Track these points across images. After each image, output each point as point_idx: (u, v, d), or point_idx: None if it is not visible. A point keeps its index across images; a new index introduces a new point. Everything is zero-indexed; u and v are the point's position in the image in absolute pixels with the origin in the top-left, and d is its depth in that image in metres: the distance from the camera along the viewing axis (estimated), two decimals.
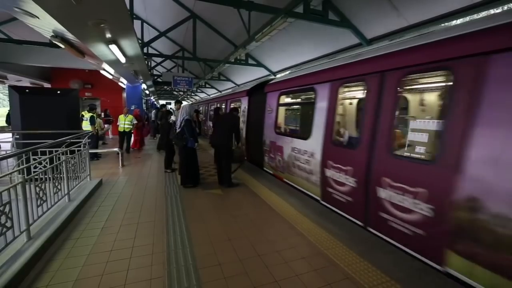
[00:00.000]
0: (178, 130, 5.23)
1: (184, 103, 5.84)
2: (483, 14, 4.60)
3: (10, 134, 6.58)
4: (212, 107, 13.23)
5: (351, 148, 3.83)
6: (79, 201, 4.09)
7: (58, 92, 6.45)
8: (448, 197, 2.49)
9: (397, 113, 3.21)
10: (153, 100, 29.70)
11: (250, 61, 11.49)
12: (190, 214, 3.94)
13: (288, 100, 6.20)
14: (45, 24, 4.41)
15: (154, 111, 14.46)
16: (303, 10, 5.65)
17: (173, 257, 2.79)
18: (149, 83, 14.18)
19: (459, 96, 2.50)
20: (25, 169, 3.10)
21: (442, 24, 5.24)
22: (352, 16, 6.42)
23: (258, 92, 7.33)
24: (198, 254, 2.85)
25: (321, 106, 4.49)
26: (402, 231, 2.97)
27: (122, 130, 9.16)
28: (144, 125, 11.12)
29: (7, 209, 2.55)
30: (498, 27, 2.28)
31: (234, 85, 16.93)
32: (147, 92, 18.77)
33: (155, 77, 16.85)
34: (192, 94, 30.10)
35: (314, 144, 4.60)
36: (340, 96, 4.22)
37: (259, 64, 11.71)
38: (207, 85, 20.94)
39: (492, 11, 4.55)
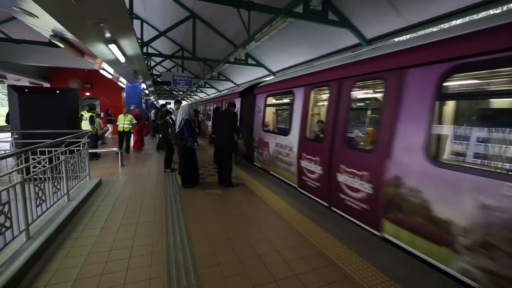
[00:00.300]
0: (177, 130, 5.23)
1: (184, 103, 5.83)
2: (482, 14, 4.60)
3: (9, 134, 6.57)
4: (209, 107, 14.12)
5: (319, 142, 4.52)
6: (78, 201, 4.09)
7: (58, 91, 6.44)
8: (382, 177, 3.19)
9: (349, 113, 4.00)
10: (153, 100, 29.68)
11: (250, 61, 11.48)
12: (190, 214, 3.94)
13: (273, 101, 6.83)
14: (45, 24, 4.41)
15: (153, 110, 14.45)
16: (302, 10, 5.64)
17: (173, 257, 2.79)
18: (149, 82, 14.18)
19: (387, 100, 3.26)
20: (24, 168, 3.09)
21: (442, 25, 5.24)
22: (352, 16, 6.42)
23: (249, 94, 8.01)
24: (197, 254, 2.85)
25: (298, 106, 5.21)
26: (354, 207, 3.69)
27: (121, 130, 9.16)
28: (144, 125, 11.09)
29: (6, 209, 2.54)
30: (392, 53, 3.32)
31: (233, 85, 16.92)
32: (146, 91, 18.77)
33: (155, 77, 16.84)
34: (192, 94, 30.09)
35: (292, 140, 5.29)
36: (311, 98, 4.99)
37: (258, 64, 11.70)
38: (206, 85, 20.93)
39: (491, 11, 4.55)
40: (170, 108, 13.10)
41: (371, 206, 3.38)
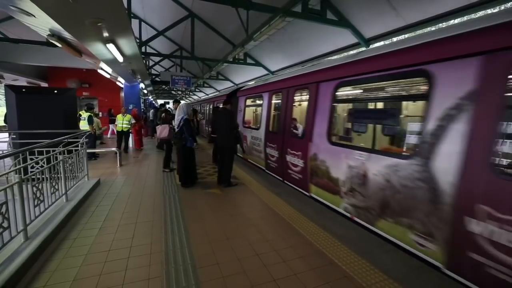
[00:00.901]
0: (176, 130, 5.21)
1: (182, 102, 5.82)
2: (480, 14, 4.61)
3: (6, 134, 6.54)
4: (203, 108, 16.34)
5: (277, 133, 5.99)
6: (76, 201, 4.08)
7: (55, 91, 6.42)
8: (308, 155, 4.67)
9: (290, 112, 5.50)
10: (151, 99, 29.61)
11: (249, 60, 11.48)
12: (189, 214, 3.93)
13: (250, 102, 8.25)
14: (42, 23, 4.38)
15: (152, 110, 14.41)
16: (301, 9, 5.64)
17: (171, 256, 2.78)
18: (147, 82, 14.14)
19: (310, 103, 4.76)
20: (22, 169, 3.09)
21: (439, 24, 5.25)
22: (351, 16, 6.43)
23: (234, 96, 9.30)
24: (196, 254, 2.84)
25: (264, 107, 6.73)
26: (295, 178, 5.19)
27: (120, 129, 9.14)
28: (142, 126, 11.03)
29: (3, 209, 2.53)
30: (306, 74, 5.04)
31: (232, 84, 16.91)
32: (145, 91, 18.72)
33: (153, 77, 16.80)
34: (191, 93, 30.04)
35: (261, 133, 6.74)
36: (273, 101, 6.50)
37: (257, 64, 11.70)
38: (205, 85, 20.90)
39: (489, 11, 4.57)
40: (169, 107, 13.06)
41: (303, 175, 4.84)
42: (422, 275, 2.49)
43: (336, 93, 4.17)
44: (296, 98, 5.54)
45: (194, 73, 17.86)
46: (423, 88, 2.90)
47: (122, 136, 9.22)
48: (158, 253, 2.85)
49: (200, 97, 27.42)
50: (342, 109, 5.12)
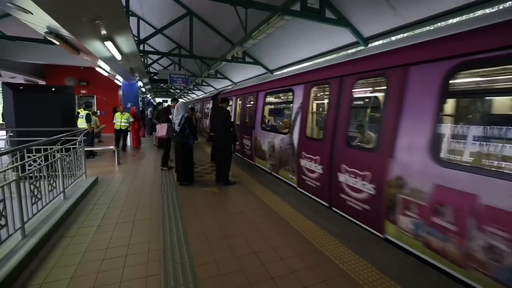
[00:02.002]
0: (177, 128, 5.18)
1: (180, 101, 5.81)
2: (479, 13, 4.62)
3: (4, 132, 6.51)
4: (196, 107, 17.57)
5: (250, 128, 7.29)
6: (74, 199, 4.07)
7: (53, 89, 6.38)
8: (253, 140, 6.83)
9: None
10: (150, 97, 29.53)
11: (247, 59, 11.46)
12: (187, 212, 3.94)
13: (272, 99, 9.70)
14: (39, 20, 4.36)
15: (150, 109, 14.38)
16: (300, 7, 5.63)
17: (169, 254, 2.79)
18: (146, 80, 14.10)
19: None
20: (19, 166, 3.07)
21: (438, 24, 5.27)
22: (349, 15, 6.42)
23: (216, 97, 11.30)
24: (194, 252, 2.85)
25: (234, 106, 9.00)
26: (246, 153, 7.35)
27: (118, 128, 9.12)
28: (141, 125, 10.93)
29: (1, 207, 2.52)
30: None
31: (230, 83, 16.88)
32: (143, 89, 18.66)
33: (152, 75, 16.73)
34: (189, 92, 29.97)
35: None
36: (238, 102, 8.86)
37: (256, 62, 11.68)
38: (204, 83, 20.85)
39: (488, 10, 4.58)
40: (168, 105, 13.05)
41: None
42: (418, 274, 2.51)
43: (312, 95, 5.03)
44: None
45: (192, 71, 17.80)
46: (291, 97, 5.49)
47: (120, 134, 9.20)
48: (156, 251, 2.86)
49: (188, 99, 28.35)
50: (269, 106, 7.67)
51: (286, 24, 6.68)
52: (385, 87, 3.20)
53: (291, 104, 5.35)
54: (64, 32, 4.89)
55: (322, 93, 5.56)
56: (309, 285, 2.36)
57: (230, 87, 12.30)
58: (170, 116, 6.39)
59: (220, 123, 5.40)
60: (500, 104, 3.10)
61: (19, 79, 13.16)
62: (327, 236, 3.24)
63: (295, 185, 5.05)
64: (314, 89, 4.80)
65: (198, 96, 26.52)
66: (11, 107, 5.74)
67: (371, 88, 4.25)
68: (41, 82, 13.69)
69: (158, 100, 29.32)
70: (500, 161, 2.90)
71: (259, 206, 4.25)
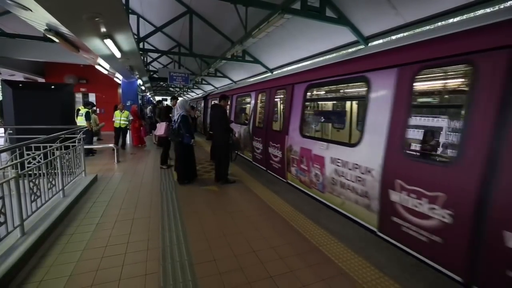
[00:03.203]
0: (175, 127, 5.19)
1: (180, 99, 5.80)
2: (480, 12, 4.62)
3: (2, 129, 6.50)
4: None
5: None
6: (73, 197, 4.07)
7: (52, 86, 6.37)
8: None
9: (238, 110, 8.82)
10: (149, 96, 29.47)
11: (247, 57, 11.44)
12: (186, 210, 3.94)
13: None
14: (39, 18, 4.34)
15: (149, 107, 14.34)
16: (300, 6, 5.62)
17: (168, 252, 2.79)
18: (145, 78, 14.06)
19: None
20: (18, 164, 3.06)
21: (438, 23, 5.26)
22: (350, 14, 6.41)
23: (207, 98, 13.60)
24: (193, 250, 2.85)
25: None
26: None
27: (118, 126, 9.11)
28: (142, 124, 10.86)
29: (0, 204, 2.52)
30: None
31: (230, 81, 16.86)
32: (143, 88, 18.62)
33: (151, 73, 16.69)
34: (189, 90, 29.93)
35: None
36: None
37: (256, 61, 11.66)
38: (203, 82, 20.82)
39: (488, 10, 4.57)
40: (167, 104, 12.97)
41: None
42: (417, 273, 2.51)
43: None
44: (239, 101, 8.97)
45: (192, 70, 17.77)
46: (248, 101, 7.76)
47: (120, 132, 9.19)
48: (155, 249, 2.86)
49: (189, 97, 28.84)
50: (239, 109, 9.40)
51: (286, 22, 6.67)
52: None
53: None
54: (63, 29, 4.87)
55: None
56: (308, 284, 2.36)
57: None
58: (171, 115, 6.39)
59: (218, 121, 5.40)
60: (324, 107, 7.40)
61: (19, 76, 13.11)
62: (326, 235, 3.24)
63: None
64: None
65: (197, 94, 26.56)
66: (11, 105, 5.73)
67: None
68: (41, 80, 13.64)
69: (158, 98, 29.28)
70: (316, 133, 6.42)
71: (258, 205, 4.25)
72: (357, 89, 4.52)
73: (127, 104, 12.03)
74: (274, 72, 11.47)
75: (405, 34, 5.82)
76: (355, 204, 3.57)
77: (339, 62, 4.19)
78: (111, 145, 7.72)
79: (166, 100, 21.65)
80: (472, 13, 4.74)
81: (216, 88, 19.83)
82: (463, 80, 3.11)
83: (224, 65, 13.37)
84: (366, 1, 5.82)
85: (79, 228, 3.32)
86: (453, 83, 3.40)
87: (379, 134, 3.22)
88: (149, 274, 2.44)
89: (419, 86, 3.41)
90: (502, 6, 4.40)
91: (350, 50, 7.40)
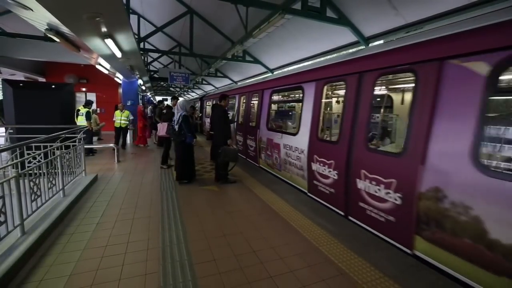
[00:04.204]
0: (176, 127, 5.19)
1: (180, 99, 5.81)
2: (479, 13, 4.61)
3: (3, 128, 6.50)
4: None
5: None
6: (74, 197, 4.07)
7: (53, 86, 6.38)
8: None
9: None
10: (150, 96, 29.47)
11: (247, 57, 11.44)
12: (186, 210, 3.94)
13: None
14: (39, 17, 4.34)
15: (150, 107, 14.34)
16: (301, 6, 5.62)
17: (168, 252, 2.79)
18: (146, 78, 14.06)
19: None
20: (19, 163, 3.07)
21: (439, 23, 5.25)
22: (350, 14, 6.41)
23: (203, 99, 15.67)
24: (193, 250, 2.85)
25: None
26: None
27: (118, 125, 9.11)
28: (146, 124, 10.85)
29: (0, 204, 2.53)
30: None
31: (230, 81, 16.86)
32: (143, 88, 18.61)
33: (152, 73, 16.69)
34: (189, 90, 29.94)
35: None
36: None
37: (256, 61, 11.66)
38: (203, 82, 20.82)
39: (489, 10, 4.57)
40: (167, 104, 12.96)
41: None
42: (416, 273, 2.51)
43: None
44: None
45: (192, 70, 17.78)
46: (233, 102, 9.13)
47: (120, 132, 9.19)
48: (155, 249, 2.86)
49: (189, 98, 29.50)
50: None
51: (287, 23, 6.67)
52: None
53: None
54: (64, 29, 4.87)
55: None
56: (307, 284, 2.37)
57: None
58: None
59: (218, 121, 5.41)
60: (281, 107, 9.08)
61: (19, 76, 13.12)
62: (326, 236, 3.24)
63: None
64: None
65: (198, 94, 26.76)
66: (11, 104, 5.74)
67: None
68: (41, 80, 13.65)
69: (158, 98, 29.26)
70: (276, 127, 6.92)
71: (258, 205, 4.25)
72: (297, 95, 6.00)
73: (128, 104, 12.03)
74: (274, 72, 11.47)
75: (406, 34, 5.81)
76: (296, 176, 5.07)
77: (289, 75, 5.75)
78: (112, 144, 7.73)
79: (166, 100, 21.68)
80: (474, 13, 4.74)
81: (217, 88, 19.90)
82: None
83: (224, 65, 13.38)
84: (366, 2, 5.82)
85: (79, 227, 3.33)
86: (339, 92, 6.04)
87: (306, 126, 4.73)
88: (149, 273, 2.44)
89: (326, 93, 4.78)
90: (502, 7, 4.39)
91: (342, 52, 7.58)
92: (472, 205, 2.24)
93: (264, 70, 12.20)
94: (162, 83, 22.06)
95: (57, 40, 5.49)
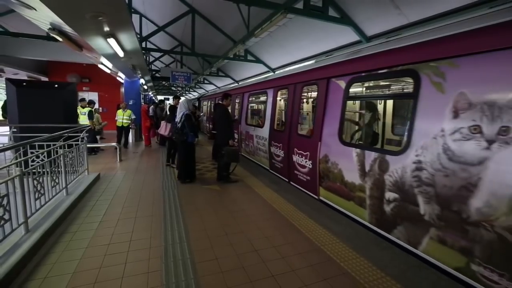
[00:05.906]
0: (178, 126, 5.21)
1: (182, 98, 5.82)
2: (482, 12, 4.58)
3: (7, 127, 6.54)
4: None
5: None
6: (77, 195, 4.10)
7: (56, 85, 6.41)
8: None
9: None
10: (151, 95, 29.53)
11: (249, 57, 11.44)
12: (188, 209, 3.96)
13: (206, 103, 14.49)
14: (42, 16, 4.37)
15: (151, 106, 14.35)
16: (303, 5, 5.62)
17: (171, 251, 2.81)
18: (148, 78, 14.10)
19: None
20: (22, 162, 3.09)
21: (441, 23, 5.23)
22: (353, 13, 6.40)
23: (200, 100, 17.78)
24: (195, 248, 2.87)
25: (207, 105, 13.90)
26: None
27: (120, 125, 9.14)
28: (153, 123, 10.85)
29: (5, 202, 2.55)
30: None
31: (232, 81, 16.87)
32: (145, 87, 18.65)
33: (154, 72, 16.72)
34: (191, 90, 29.97)
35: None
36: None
37: (258, 60, 11.66)
38: (205, 81, 20.84)
39: (491, 9, 4.54)
40: (169, 104, 12.96)
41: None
42: (419, 273, 2.51)
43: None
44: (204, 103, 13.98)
45: (194, 69, 17.80)
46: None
47: (122, 131, 9.23)
48: (157, 247, 2.88)
49: (188, 98, 29.76)
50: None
51: (289, 22, 6.68)
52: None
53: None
54: (67, 28, 4.89)
55: None
56: (309, 283, 2.37)
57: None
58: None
59: (220, 120, 5.42)
60: (255, 107, 10.05)
61: (22, 75, 13.19)
62: (328, 235, 3.25)
63: None
64: None
65: (199, 94, 26.85)
66: (15, 103, 5.76)
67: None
68: (44, 79, 13.72)
69: (160, 97, 29.29)
70: (251, 122, 8.39)
71: (260, 204, 4.26)
72: (263, 97, 7.07)
73: (130, 103, 12.07)
74: (276, 72, 11.47)
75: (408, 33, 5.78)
76: (263, 158, 6.63)
77: (260, 82, 7.41)
78: (114, 144, 7.76)
79: (168, 99, 21.69)
80: (476, 13, 4.71)
81: (219, 87, 19.96)
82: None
83: (226, 64, 13.39)
84: (369, 1, 5.81)
85: (82, 226, 3.35)
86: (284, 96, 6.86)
87: (268, 120, 6.37)
88: (152, 272, 2.45)
89: (279, 97, 6.44)
90: (502, 7, 4.37)
91: (335, 54, 7.64)
92: (338, 162, 3.85)
93: (266, 69, 12.20)
94: (163, 82, 22.06)
95: (60, 39, 5.52)
